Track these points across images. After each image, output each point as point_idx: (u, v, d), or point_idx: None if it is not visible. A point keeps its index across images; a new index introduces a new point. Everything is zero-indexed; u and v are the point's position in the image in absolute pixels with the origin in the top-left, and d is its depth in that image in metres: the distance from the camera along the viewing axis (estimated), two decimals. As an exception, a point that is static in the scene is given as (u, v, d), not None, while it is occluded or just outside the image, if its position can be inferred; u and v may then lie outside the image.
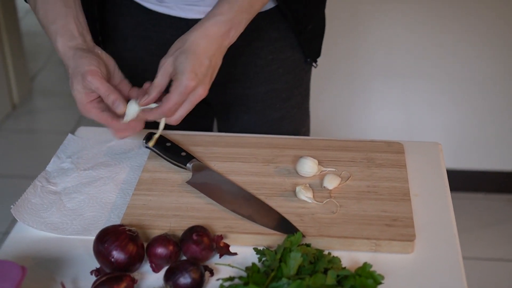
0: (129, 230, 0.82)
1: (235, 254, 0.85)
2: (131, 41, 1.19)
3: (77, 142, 1.08)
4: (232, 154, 1.03)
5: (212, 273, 0.81)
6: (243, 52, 1.17)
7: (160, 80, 0.93)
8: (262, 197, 0.93)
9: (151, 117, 0.94)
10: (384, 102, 2.27)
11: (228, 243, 0.86)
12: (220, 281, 0.78)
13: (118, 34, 1.20)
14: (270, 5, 1.14)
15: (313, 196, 0.92)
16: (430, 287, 0.81)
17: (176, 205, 0.92)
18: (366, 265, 0.79)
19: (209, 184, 0.95)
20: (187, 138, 1.07)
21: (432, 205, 0.95)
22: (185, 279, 0.77)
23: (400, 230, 0.87)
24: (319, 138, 1.08)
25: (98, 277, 0.78)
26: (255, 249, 0.84)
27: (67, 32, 0.97)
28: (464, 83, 2.21)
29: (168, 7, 1.12)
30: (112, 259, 0.80)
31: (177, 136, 1.07)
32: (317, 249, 0.83)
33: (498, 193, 2.40)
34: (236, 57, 1.17)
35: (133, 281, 0.78)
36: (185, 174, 0.98)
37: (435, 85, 2.22)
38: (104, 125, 0.96)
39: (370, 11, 2.11)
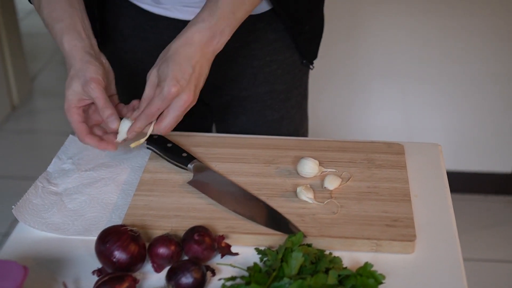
0: (131, 230, 0.83)
1: (237, 254, 0.85)
2: (131, 42, 1.20)
3: (78, 143, 1.08)
4: (233, 155, 1.03)
5: (214, 273, 0.82)
6: (241, 53, 1.17)
7: (148, 92, 0.94)
8: (263, 198, 0.93)
9: (138, 124, 0.94)
10: (384, 103, 2.27)
11: (230, 243, 0.86)
12: (222, 281, 0.79)
13: (118, 35, 1.21)
14: (267, 7, 1.14)
15: (314, 196, 0.93)
16: (431, 287, 0.81)
17: (177, 206, 0.92)
18: (367, 265, 0.79)
19: (210, 184, 0.95)
20: (188, 139, 1.07)
21: (432, 206, 0.95)
22: (187, 279, 0.78)
23: (401, 231, 0.87)
24: (320, 139, 1.08)
25: (100, 277, 0.78)
26: (257, 249, 0.84)
27: (74, 32, 0.98)
28: (464, 84, 2.21)
29: (165, 9, 1.12)
30: (114, 259, 0.80)
31: (178, 137, 1.07)
32: (318, 249, 0.83)
33: (498, 195, 2.40)
34: (234, 59, 1.18)
35: (135, 281, 0.78)
36: (186, 175, 0.98)
37: (435, 86, 2.22)
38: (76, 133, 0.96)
39: (370, 11, 2.11)
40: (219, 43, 0.96)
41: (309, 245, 0.85)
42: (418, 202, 0.95)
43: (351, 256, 0.85)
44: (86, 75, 0.94)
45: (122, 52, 1.22)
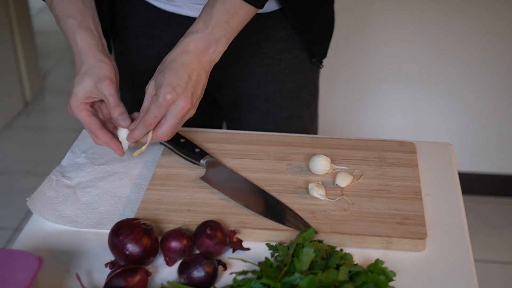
0: (144, 224, 0.83)
1: (248, 249, 0.86)
2: (141, 39, 1.20)
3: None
4: (245, 151, 1.04)
5: (225, 267, 0.82)
6: (251, 51, 1.18)
7: (147, 103, 0.95)
8: (275, 194, 0.94)
9: (136, 133, 0.95)
10: (394, 104, 2.27)
11: (241, 239, 0.86)
12: (234, 275, 0.79)
13: (129, 32, 1.21)
14: (276, 6, 1.15)
15: (326, 193, 0.93)
16: (441, 285, 0.82)
17: (189, 200, 0.93)
18: (378, 262, 0.79)
19: (223, 180, 0.96)
20: (200, 135, 1.08)
21: (444, 205, 0.95)
22: (198, 273, 0.78)
23: (412, 228, 0.87)
24: (332, 136, 1.09)
25: (113, 269, 0.79)
26: (268, 245, 0.85)
27: (87, 29, 0.98)
28: (474, 86, 2.21)
29: (178, 6, 1.13)
30: (127, 252, 0.81)
31: (191, 132, 1.08)
32: (329, 246, 0.84)
33: (508, 197, 2.39)
34: (243, 57, 1.18)
35: (148, 273, 0.79)
36: (198, 170, 0.99)
37: (445, 88, 2.22)
38: (88, 129, 0.97)
39: (381, 12, 2.11)
40: (216, 52, 0.96)
41: (320, 241, 0.85)
42: (429, 200, 0.95)
43: (361, 253, 0.86)
44: (100, 73, 0.95)
45: (133, 49, 1.22)
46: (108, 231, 0.84)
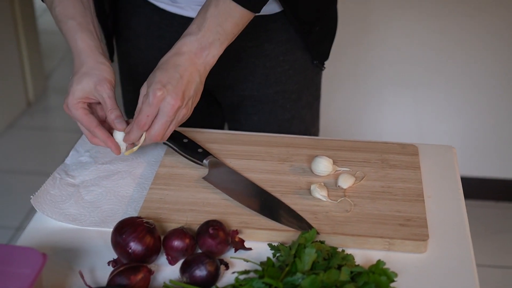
0: (147, 222, 0.84)
1: (250, 249, 0.86)
2: (144, 40, 1.21)
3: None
4: (248, 152, 1.04)
5: (227, 266, 0.83)
6: (253, 53, 1.18)
7: (140, 105, 0.95)
8: (277, 195, 0.94)
9: (131, 135, 0.95)
10: (396, 106, 2.28)
11: (243, 239, 0.87)
12: (236, 274, 0.80)
13: (131, 33, 1.22)
14: (278, 8, 1.15)
15: (328, 194, 0.94)
16: (443, 287, 0.82)
17: (192, 200, 0.93)
18: (379, 262, 0.80)
19: (225, 180, 0.97)
20: (203, 135, 1.08)
21: (446, 207, 0.96)
22: (201, 272, 0.79)
23: (414, 230, 0.88)
24: (334, 138, 1.09)
25: (116, 267, 0.80)
26: (270, 245, 0.85)
27: (88, 31, 0.99)
28: (476, 90, 2.21)
29: (181, 8, 1.14)
30: (130, 250, 0.81)
31: (194, 133, 1.08)
32: (331, 247, 0.84)
33: (509, 201, 2.39)
34: (246, 59, 1.19)
35: (150, 272, 0.79)
36: (201, 170, 0.99)
37: (447, 91, 2.23)
38: (85, 127, 0.97)
39: (384, 14, 2.12)
40: (209, 55, 0.96)
41: (322, 242, 0.85)
42: (431, 203, 0.96)
43: (363, 254, 0.86)
44: (101, 75, 0.96)
45: (135, 49, 1.23)
46: (111, 229, 0.84)
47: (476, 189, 2.35)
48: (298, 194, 0.95)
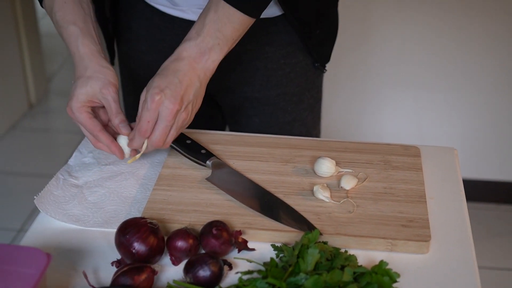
0: (150, 223, 0.84)
1: (253, 249, 0.86)
2: (145, 42, 1.21)
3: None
4: (251, 153, 1.05)
5: (230, 267, 0.83)
6: (255, 56, 1.19)
7: (140, 111, 0.95)
8: (280, 196, 0.95)
9: (134, 143, 0.96)
10: (397, 109, 2.28)
11: (246, 239, 0.87)
12: (239, 275, 0.80)
13: (132, 35, 1.22)
14: (279, 11, 1.15)
15: (331, 195, 0.94)
16: (444, 287, 0.82)
17: (195, 201, 0.94)
18: (382, 263, 0.80)
19: (228, 181, 0.97)
20: (206, 137, 1.08)
21: (447, 208, 0.96)
22: (204, 272, 0.79)
23: (416, 231, 0.88)
24: (337, 140, 1.09)
25: (120, 267, 0.80)
26: (273, 246, 0.86)
27: (89, 36, 1.00)
28: (477, 92, 2.22)
29: (182, 11, 1.14)
30: (133, 251, 0.81)
31: (197, 134, 1.09)
32: (334, 247, 0.84)
33: (510, 204, 2.40)
34: (248, 61, 1.19)
35: (154, 272, 0.79)
36: (204, 171, 1.00)
37: (448, 93, 2.23)
38: (88, 132, 0.97)
39: (384, 17, 2.12)
40: (209, 60, 0.96)
41: (325, 243, 0.86)
42: (433, 204, 0.96)
43: (366, 255, 0.86)
44: (106, 78, 0.96)
45: (136, 52, 1.23)
46: (115, 230, 0.85)
47: (477, 191, 2.35)
48: (301, 195, 0.95)
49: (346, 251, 0.84)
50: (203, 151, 1.02)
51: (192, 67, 0.95)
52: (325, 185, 0.96)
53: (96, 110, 1.00)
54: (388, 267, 0.80)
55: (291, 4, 1.12)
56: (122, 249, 0.83)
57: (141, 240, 0.82)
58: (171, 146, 1.04)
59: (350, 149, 1.06)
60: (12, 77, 2.90)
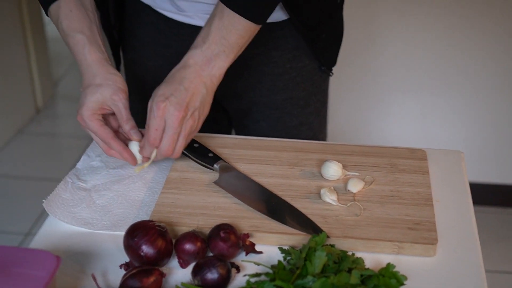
0: (159, 226, 0.85)
1: (261, 252, 0.87)
2: (151, 48, 1.22)
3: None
4: (258, 157, 1.05)
5: (238, 269, 0.83)
6: (261, 60, 1.19)
7: (148, 122, 0.96)
8: (287, 199, 0.95)
9: (144, 153, 0.97)
10: (403, 112, 2.29)
11: (254, 242, 0.88)
12: (247, 277, 0.80)
13: (137, 42, 1.23)
14: (285, 16, 1.16)
15: (338, 199, 0.94)
16: (452, 290, 0.83)
17: (203, 204, 0.94)
18: (389, 266, 0.80)
19: (236, 184, 0.97)
20: (214, 140, 1.09)
21: (454, 211, 0.96)
22: (212, 275, 0.79)
23: (423, 234, 0.88)
24: (343, 143, 1.10)
25: (129, 270, 0.80)
26: (280, 249, 0.86)
27: (95, 43, 1.00)
28: (483, 96, 2.22)
29: (188, 16, 1.15)
30: (142, 253, 0.82)
31: (204, 138, 1.09)
32: (341, 250, 0.85)
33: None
34: (254, 66, 1.20)
35: (162, 275, 0.80)
36: (212, 175, 1.00)
37: (455, 97, 2.23)
38: (100, 139, 0.98)
39: (390, 21, 2.13)
40: (215, 67, 0.97)
41: (332, 246, 0.86)
42: (440, 207, 0.96)
43: (373, 258, 0.87)
44: (116, 85, 0.97)
45: (142, 58, 1.24)
46: (123, 233, 0.85)
47: (484, 195, 2.35)
48: (308, 198, 0.95)
49: (353, 254, 0.85)
50: (210, 155, 1.02)
51: (198, 74, 0.96)
52: (332, 188, 0.96)
53: (106, 117, 1.00)
54: (395, 269, 0.81)
55: (296, 8, 1.12)
56: (131, 252, 0.83)
57: (149, 243, 0.82)
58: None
59: (356, 153, 1.06)
60: (19, 81, 2.92)
